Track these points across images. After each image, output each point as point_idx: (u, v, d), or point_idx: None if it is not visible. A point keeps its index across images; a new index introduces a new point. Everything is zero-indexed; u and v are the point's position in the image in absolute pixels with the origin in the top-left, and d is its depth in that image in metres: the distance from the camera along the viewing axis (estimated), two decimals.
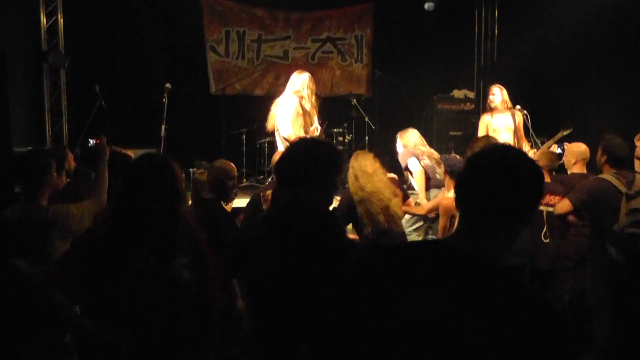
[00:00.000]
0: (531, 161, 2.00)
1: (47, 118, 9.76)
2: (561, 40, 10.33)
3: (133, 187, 3.22)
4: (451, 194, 5.74)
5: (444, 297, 1.70)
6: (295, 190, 3.05)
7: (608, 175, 5.19)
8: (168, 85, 8.31)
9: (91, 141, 5.58)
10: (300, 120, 7.31)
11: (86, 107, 9.27)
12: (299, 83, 7.36)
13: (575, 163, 6.10)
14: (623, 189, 5.06)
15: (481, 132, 8.23)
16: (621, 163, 5.25)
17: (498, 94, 8.12)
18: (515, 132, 8.05)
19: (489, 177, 1.93)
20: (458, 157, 6.39)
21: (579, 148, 6.10)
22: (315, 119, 7.78)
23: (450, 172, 5.63)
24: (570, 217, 5.74)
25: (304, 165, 3.10)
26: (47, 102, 9.79)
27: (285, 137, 7.17)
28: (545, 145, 7.53)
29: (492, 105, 8.12)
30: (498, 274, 1.79)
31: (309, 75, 7.52)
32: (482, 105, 11.74)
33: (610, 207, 5.00)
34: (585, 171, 6.06)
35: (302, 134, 7.29)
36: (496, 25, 11.80)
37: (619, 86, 9.49)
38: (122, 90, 9.93)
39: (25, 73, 9.51)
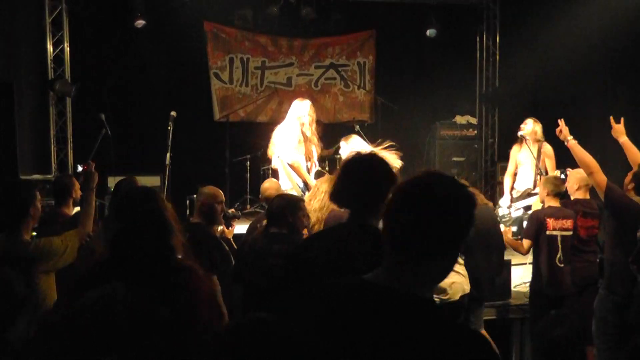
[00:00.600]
0: (458, 192, 1.86)
1: (52, 146, 9.83)
2: (562, 65, 10.41)
3: (120, 217, 3.22)
4: None
5: (364, 337, 1.72)
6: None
7: (632, 194, 5.19)
8: (173, 113, 8.34)
9: (79, 167, 5.64)
10: (303, 148, 7.36)
11: (92, 135, 9.34)
12: (300, 110, 7.41)
13: (578, 189, 6.13)
14: None
15: (511, 163, 8.34)
16: None
17: (530, 124, 8.15)
18: (537, 166, 8.08)
19: (409, 207, 1.82)
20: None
21: (582, 174, 6.11)
22: (315, 155, 7.83)
23: None
24: None
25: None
26: (52, 130, 9.86)
27: (290, 163, 7.21)
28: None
29: (519, 134, 8.14)
30: (420, 311, 1.77)
31: (310, 102, 7.57)
32: (485, 131, 11.82)
33: (633, 223, 4.97)
34: (588, 196, 6.10)
35: (304, 161, 7.34)
36: (497, 51, 11.90)
37: (621, 108, 9.53)
38: (127, 118, 10.02)
39: (32, 101, 9.60)
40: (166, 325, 2.71)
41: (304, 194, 7.26)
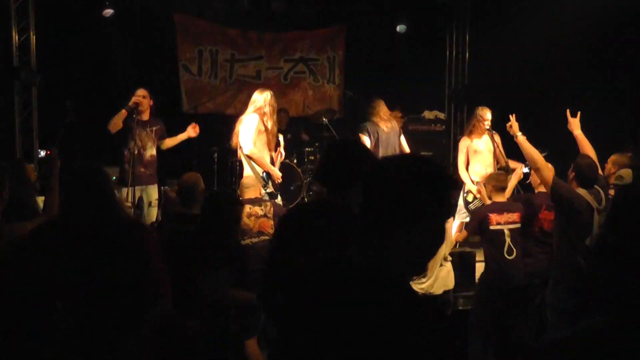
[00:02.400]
0: (426, 168, 1.88)
1: (17, 135, 9.69)
2: (532, 63, 10.51)
3: (65, 196, 3.31)
4: None
5: (336, 312, 1.77)
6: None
7: (581, 190, 5.27)
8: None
9: (42, 152, 5.60)
10: (263, 138, 7.35)
11: (57, 125, 9.22)
12: (260, 100, 7.37)
13: (540, 183, 6.18)
14: (595, 204, 5.17)
15: (462, 154, 8.35)
16: (588, 184, 5.33)
17: (489, 114, 8.20)
18: (495, 153, 8.16)
19: (376, 183, 1.87)
20: None
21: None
22: (281, 139, 7.85)
23: None
24: None
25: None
26: (17, 119, 9.72)
27: (248, 154, 7.20)
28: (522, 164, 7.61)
29: (486, 127, 8.17)
30: (384, 285, 1.80)
31: (271, 92, 7.52)
32: (453, 127, 11.89)
33: (583, 220, 5.10)
34: None
35: (264, 152, 7.34)
36: (467, 49, 11.96)
37: (591, 106, 9.65)
38: (93, 108, 9.88)
39: None
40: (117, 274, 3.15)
41: (267, 184, 7.27)
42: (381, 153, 8.27)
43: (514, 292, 6.01)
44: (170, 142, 7.96)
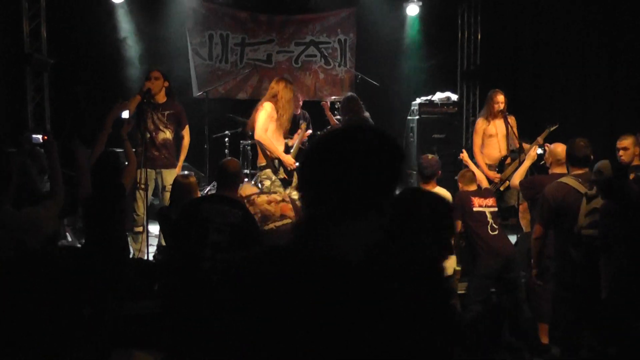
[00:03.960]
0: (382, 139, 1.69)
1: (30, 122, 9.70)
2: (543, 42, 10.44)
3: None
4: None
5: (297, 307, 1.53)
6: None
7: (568, 178, 5.31)
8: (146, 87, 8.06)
9: (38, 137, 5.62)
10: (274, 125, 7.41)
11: (69, 111, 9.24)
12: (275, 89, 7.47)
13: (553, 164, 6.21)
14: (583, 189, 5.18)
15: (478, 137, 8.37)
16: (579, 164, 5.37)
17: (502, 97, 8.20)
18: (508, 136, 8.16)
19: (325, 158, 1.64)
20: (430, 156, 6.52)
21: (555, 149, 6.24)
22: (301, 123, 7.93)
23: (420, 173, 5.90)
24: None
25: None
26: (29, 105, 9.73)
27: (257, 139, 7.36)
28: (534, 143, 7.60)
29: (499, 110, 8.18)
30: (345, 274, 1.57)
31: (286, 81, 7.60)
32: (466, 108, 11.83)
33: (572, 210, 5.14)
34: (565, 171, 6.13)
35: (275, 139, 7.42)
36: (479, 29, 11.87)
37: (602, 85, 9.59)
38: (104, 94, 9.89)
39: (8, 77, 9.46)
40: None
41: (278, 170, 7.36)
42: None
43: (504, 264, 6.22)
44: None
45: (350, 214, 1.62)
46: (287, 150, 7.74)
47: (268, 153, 7.42)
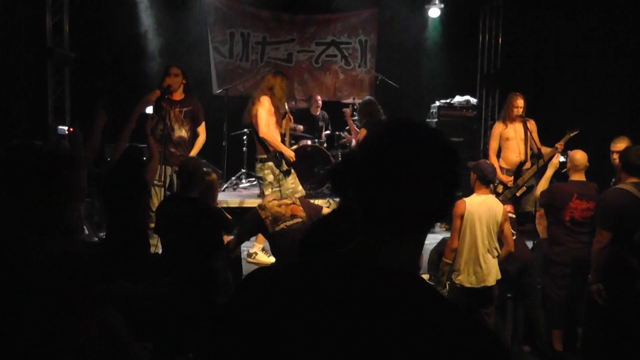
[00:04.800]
0: (442, 137, 1.53)
1: (50, 115, 9.77)
2: (564, 47, 10.39)
3: None
4: (475, 198, 5.89)
5: (351, 326, 1.37)
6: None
7: (627, 185, 5.21)
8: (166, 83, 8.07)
9: (64, 128, 5.64)
10: (273, 119, 7.54)
11: (89, 106, 9.28)
12: (272, 82, 7.57)
13: (573, 171, 6.17)
14: None
15: (494, 141, 8.35)
16: (635, 171, 5.26)
17: (522, 102, 8.17)
18: (527, 141, 8.12)
19: (390, 162, 1.47)
20: (488, 161, 6.47)
21: (573, 156, 6.18)
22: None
23: (480, 176, 5.83)
24: None
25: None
26: (50, 99, 9.80)
27: (263, 137, 7.47)
28: (553, 149, 7.56)
29: (518, 115, 8.15)
30: (419, 292, 1.44)
31: (283, 76, 7.71)
32: (485, 112, 11.79)
33: (632, 216, 5.03)
34: (584, 178, 6.09)
35: (275, 132, 7.53)
36: (500, 33, 11.83)
37: (624, 90, 9.52)
38: (125, 89, 9.95)
39: (30, 71, 9.52)
40: None
41: (281, 163, 7.57)
42: None
43: (521, 270, 6.17)
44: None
45: (414, 224, 1.51)
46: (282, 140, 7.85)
47: (271, 148, 7.48)
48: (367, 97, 9.52)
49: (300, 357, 1.38)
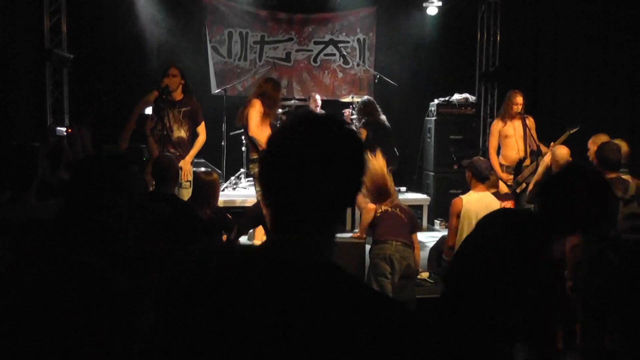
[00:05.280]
0: (345, 128, 1.55)
1: (49, 116, 9.77)
2: (563, 44, 10.38)
3: None
4: (472, 195, 5.93)
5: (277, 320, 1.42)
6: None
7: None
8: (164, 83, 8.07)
9: (62, 129, 5.61)
10: (265, 120, 7.62)
11: (88, 106, 9.31)
12: (264, 88, 7.64)
13: (553, 167, 6.27)
14: (620, 193, 5.10)
15: (493, 138, 8.37)
16: (613, 167, 5.28)
17: (520, 99, 8.19)
18: (526, 138, 8.13)
19: (297, 154, 1.50)
20: (482, 159, 6.49)
21: (555, 152, 6.46)
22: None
23: (476, 174, 5.87)
24: None
25: None
26: (49, 100, 9.80)
27: (251, 135, 7.52)
28: (551, 147, 7.57)
29: (517, 112, 8.15)
30: (345, 283, 1.49)
31: (274, 82, 7.81)
32: (484, 110, 11.79)
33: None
34: None
35: (266, 134, 7.57)
36: (498, 31, 11.83)
37: (623, 87, 9.51)
38: (123, 89, 9.95)
39: (28, 72, 9.52)
40: None
41: None
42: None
43: None
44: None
45: (325, 214, 1.54)
46: None
47: (260, 148, 7.53)
48: (366, 97, 9.53)
49: (223, 355, 1.43)
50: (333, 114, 1.66)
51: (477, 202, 5.88)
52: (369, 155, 6.70)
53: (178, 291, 1.54)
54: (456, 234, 5.90)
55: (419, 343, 1.43)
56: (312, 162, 1.48)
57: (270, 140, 1.57)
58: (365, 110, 9.05)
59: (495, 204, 5.96)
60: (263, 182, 1.56)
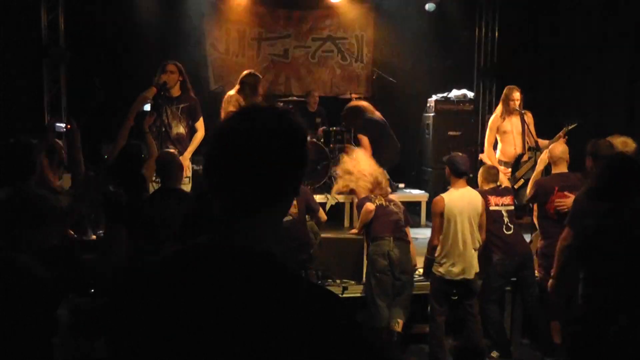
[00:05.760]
0: (286, 117, 1.60)
1: (46, 113, 9.74)
2: (561, 41, 10.38)
3: None
4: (453, 193, 5.97)
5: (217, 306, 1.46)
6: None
7: None
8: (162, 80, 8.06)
9: (62, 125, 5.59)
10: None
11: (86, 103, 9.28)
12: (241, 81, 7.87)
13: (555, 163, 6.31)
14: None
15: (491, 133, 8.38)
16: None
17: (518, 94, 8.19)
18: (524, 133, 8.13)
19: (233, 147, 1.54)
20: (461, 154, 6.50)
21: (552, 149, 6.49)
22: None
23: (453, 169, 5.90)
24: None
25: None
26: (46, 97, 9.77)
27: None
28: (550, 142, 7.59)
29: (515, 109, 8.15)
30: (278, 272, 1.53)
31: (253, 72, 7.99)
32: (482, 106, 11.77)
33: None
34: (565, 170, 6.24)
35: None
36: (497, 27, 11.81)
37: (621, 84, 9.52)
38: (121, 86, 9.92)
39: (25, 68, 9.50)
40: None
41: None
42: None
43: (520, 263, 6.28)
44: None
45: (264, 204, 1.58)
46: None
47: None
48: (345, 109, 9.58)
49: (172, 346, 1.46)
50: (275, 106, 1.66)
51: (459, 200, 5.98)
52: (352, 156, 6.79)
53: (126, 298, 1.58)
54: (440, 232, 5.99)
55: (351, 336, 1.49)
56: (250, 152, 1.52)
57: (216, 128, 1.63)
58: (350, 120, 9.15)
59: (477, 199, 6.05)
60: (206, 174, 1.60)
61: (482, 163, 7.98)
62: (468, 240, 5.98)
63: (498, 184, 6.66)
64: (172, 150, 6.54)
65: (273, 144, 1.54)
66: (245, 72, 8.18)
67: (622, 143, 5.89)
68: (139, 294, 1.55)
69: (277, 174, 1.55)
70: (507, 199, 6.40)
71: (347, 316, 1.51)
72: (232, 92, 7.79)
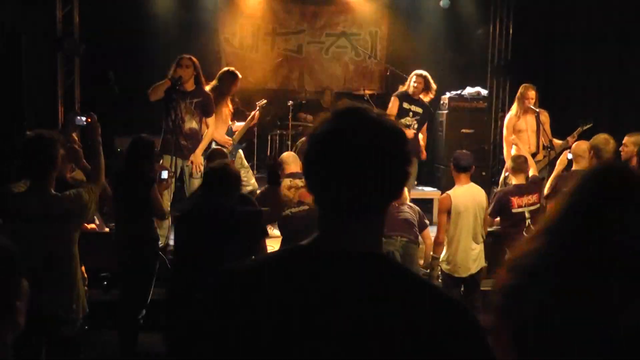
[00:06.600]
0: (387, 119, 1.60)
1: (60, 105, 9.76)
2: (576, 38, 10.32)
3: None
4: (457, 189, 5.98)
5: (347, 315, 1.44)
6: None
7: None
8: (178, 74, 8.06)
9: (82, 119, 5.58)
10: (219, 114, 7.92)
11: (100, 96, 9.29)
12: (220, 76, 8.13)
13: (576, 161, 6.30)
14: None
15: (507, 132, 8.35)
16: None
17: (533, 93, 8.15)
18: (539, 132, 8.09)
19: (343, 151, 1.50)
20: (464, 150, 6.49)
21: (576, 146, 6.55)
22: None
23: (455, 165, 5.91)
24: None
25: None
26: (60, 89, 9.79)
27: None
28: (564, 142, 7.56)
29: (530, 106, 8.12)
30: (403, 276, 1.55)
31: (231, 70, 8.22)
32: (495, 104, 11.73)
33: None
34: (586, 167, 6.22)
35: (220, 124, 7.95)
36: (511, 24, 11.76)
37: (638, 82, 9.46)
38: (135, 79, 9.92)
39: (40, 61, 9.51)
40: None
41: (233, 155, 8.05)
42: None
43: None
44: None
45: (379, 203, 1.57)
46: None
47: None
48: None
49: (287, 350, 1.44)
50: (365, 107, 1.62)
51: (464, 195, 6.03)
52: None
53: (230, 294, 1.55)
54: (446, 230, 6.01)
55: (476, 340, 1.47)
56: (367, 154, 1.50)
57: (318, 133, 1.57)
58: None
59: (481, 194, 6.07)
60: (314, 172, 1.57)
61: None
62: (473, 236, 6.01)
63: (527, 175, 6.58)
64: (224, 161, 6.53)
65: (390, 143, 1.54)
66: (225, 69, 8.45)
67: (604, 141, 5.97)
68: (249, 294, 1.52)
69: (396, 171, 1.56)
70: (533, 197, 6.30)
71: (477, 323, 1.50)
72: (207, 87, 7.90)
